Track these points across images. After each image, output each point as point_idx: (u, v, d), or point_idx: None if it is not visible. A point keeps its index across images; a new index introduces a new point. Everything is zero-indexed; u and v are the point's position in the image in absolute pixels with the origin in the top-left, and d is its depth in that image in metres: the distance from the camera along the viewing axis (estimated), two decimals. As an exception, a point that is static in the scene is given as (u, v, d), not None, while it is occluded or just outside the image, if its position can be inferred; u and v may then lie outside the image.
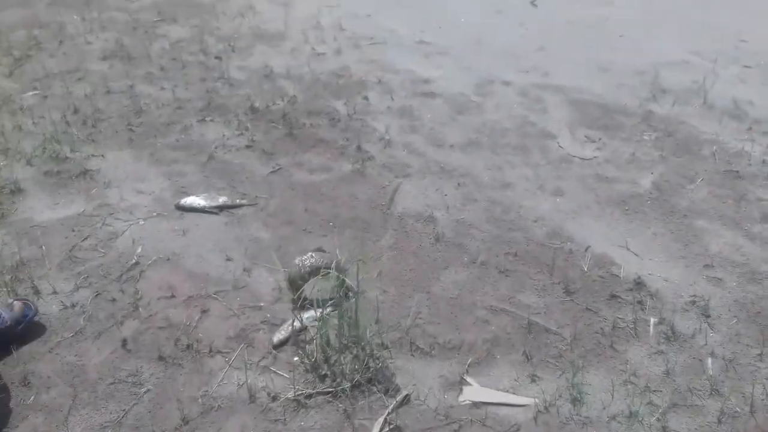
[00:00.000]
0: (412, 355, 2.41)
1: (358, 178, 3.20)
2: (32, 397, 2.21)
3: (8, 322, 2.40)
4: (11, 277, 2.59)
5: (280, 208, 3.01)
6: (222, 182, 3.12)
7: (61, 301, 2.53)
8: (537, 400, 2.28)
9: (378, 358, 2.36)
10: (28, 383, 2.25)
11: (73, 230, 2.85)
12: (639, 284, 2.71)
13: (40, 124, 3.53)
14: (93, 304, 2.52)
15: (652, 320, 2.57)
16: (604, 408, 2.27)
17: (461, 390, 2.31)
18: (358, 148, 3.37)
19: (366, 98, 3.87)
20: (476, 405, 2.25)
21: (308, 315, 2.45)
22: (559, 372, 2.38)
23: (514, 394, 2.31)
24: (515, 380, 2.35)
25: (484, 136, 3.54)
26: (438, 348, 2.44)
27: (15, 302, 2.45)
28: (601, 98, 4.10)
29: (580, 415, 2.24)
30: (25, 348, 2.36)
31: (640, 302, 2.63)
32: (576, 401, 2.28)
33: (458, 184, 3.20)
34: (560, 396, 2.29)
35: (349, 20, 5.06)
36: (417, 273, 2.73)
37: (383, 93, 3.96)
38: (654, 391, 2.30)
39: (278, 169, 3.23)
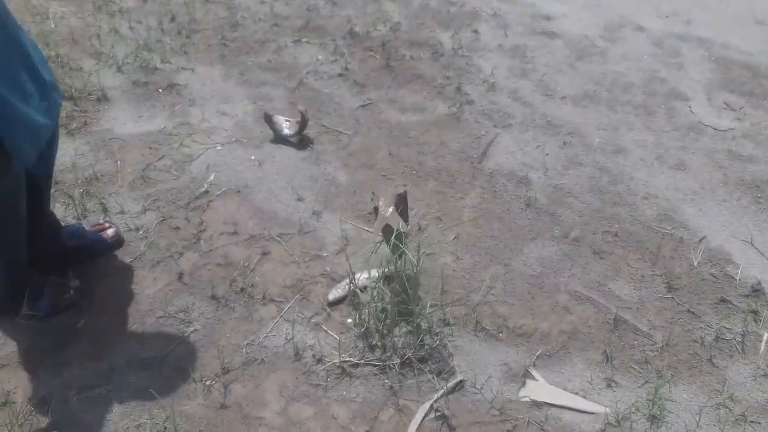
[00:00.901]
0: (476, 335, 2.18)
1: (452, 123, 2.91)
2: (82, 321, 2.17)
3: (87, 239, 2.36)
4: (82, 191, 2.54)
5: (362, 148, 2.79)
6: (308, 110, 2.92)
7: (126, 223, 2.46)
8: (609, 409, 2.01)
9: (436, 335, 2.15)
10: (82, 303, 2.21)
11: (150, 148, 2.75)
12: (757, 291, 2.33)
13: (136, 30, 3.43)
14: (156, 231, 2.43)
15: (766, 336, 2.21)
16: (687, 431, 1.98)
17: (524, 384, 2.07)
18: (458, 89, 3.06)
19: (476, 32, 3.51)
20: (537, 404, 2.02)
21: (367, 275, 2.26)
22: (642, 381, 2.09)
23: (584, 398, 2.05)
24: (588, 382, 2.08)
25: (604, 89, 3.13)
26: (506, 332, 2.19)
27: (109, 226, 2.41)
28: (751, 58, 3.55)
29: (656, 436, 1.97)
30: (84, 267, 2.32)
31: (754, 312, 2.26)
32: (655, 419, 1.99)
33: (564, 143, 2.85)
34: (637, 409, 2.01)
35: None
36: (498, 241, 2.46)
37: (496, 27, 3.58)
38: (752, 422, 1.97)
39: (368, 103, 2.99)
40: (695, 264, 2.41)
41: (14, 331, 2.12)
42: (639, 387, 2.08)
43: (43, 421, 1.93)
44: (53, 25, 3.43)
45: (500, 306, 2.26)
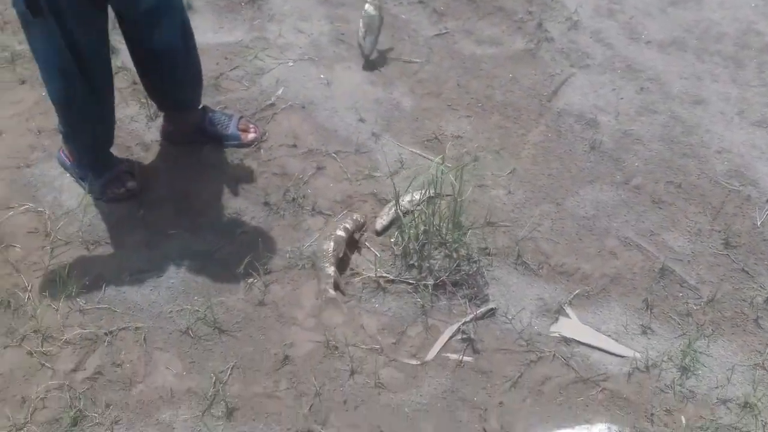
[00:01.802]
0: (515, 268, 2.17)
1: (527, 59, 2.84)
2: (142, 211, 2.31)
3: (227, 134, 2.49)
4: (158, 93, 2.65)
5: (432, 77, 2.77)
6: (383, 35, 2.91)
7: (195, 126, 2.57)
8: (640, 355, 1.98)
9: (474, 263, 2.16)
10: (140, 199, 2.34)
11: (226, 58, 2.83)
12: (819, 258, 2.21)
13: (228, -56, 3.49)
14: (222, 136, 2.53)
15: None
16: (717, 388, 1.93)
17: (556, 320, 2.06)
18: (539, 25, 2.97)
19: (567, -31, 3.38)
20: (566, 341, 2.01)
21: (411, 199, 2.27)
22: (679, 332, 2.05)
23: (615, 341, 2.02)
24: (623, 327, 2.06)
25: (693, 37, 2.96)
26: (547, 269, 2.18)
27: (253, 131, 2.52)
28: None
29: (684, 388, 1.93)
30: (151, 162, 2.45)
31: (813, 279, 2.16)
32: (685, 370, 1.95)
33: (641, 88, 2.73)
34: (669, 359, 1.98)
35: None
36: (555, 180, 2.42)
37: (590, -34, 3.43)
38: (788, 386, 1.91)
39: (444, 33, 2.95)
40: (758, 224, 2.30)
41: (79, 212, 2.28)
42: (675, 338, 2.03)
43: (96, 296, 2.09)
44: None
45: (545, 243, 2.24)
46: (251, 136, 2.51)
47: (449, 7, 3.06)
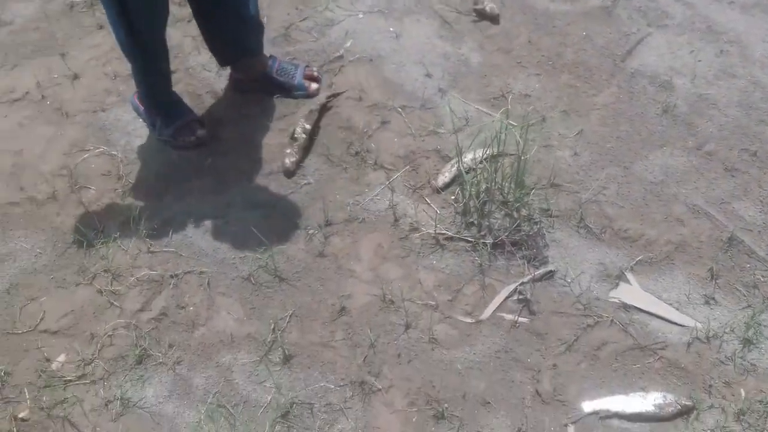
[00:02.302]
0: (577, 231, 2.14)
1: (602, 17, 2.74)
2: (210, 160, 2.36)
3: (293, 84, 2.52)
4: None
5: (502, 32, 2.70)
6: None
7: (263, 76, 2.59)
8: (701, 325, 1.94)
9: (535, 224, 2.13)
10: (212, 144, 2.40)
11: (297, 8, 2.82)
12: None
13: None
14: (289, 87, 2.55)
15: None
16: (780, 363, 1.88)
17: (616, 285, 2.03)
18: (618, -18, 2.87)
19: None
20: (626, 307, 1.98)
21: (474, 156, 2.25)
22: (744, 304, 1.99)
23: (676, 310, 1.98)
24: (686, 296, 2.01)
25: (782, -1, 2.81)
26: (610, 233, 2.14)
27: (317, 79, 2.55)
28: None
29: (745, 360, 1.88)
30: (219, 110, 2.49)
31: None
32: (748, 342, 1.91)
33: (720, 51, 2.61)
34: (732, 330, 1.93)
35: None
36: (623, 143, 2.35)
37: None
38: None
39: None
40: (838, 197, 2.20)
41: (150, 158, 2.35)
42: (740, 309, 1.98)
43: (164, 240, 2.16)
44: None
45: (609, 207, 2.19)
46: (314, 86, 2.52)
47: (524, -39, 2.98)
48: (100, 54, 2.66)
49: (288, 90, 2.50)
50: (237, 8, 2.26)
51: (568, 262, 2.08)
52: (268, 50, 2.59)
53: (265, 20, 2.74)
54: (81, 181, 2.28)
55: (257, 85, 2.51)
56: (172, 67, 2.55)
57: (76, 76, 2.58)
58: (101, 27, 2.74)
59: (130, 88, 2.50)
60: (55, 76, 2.59)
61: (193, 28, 2.69)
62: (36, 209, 2.24)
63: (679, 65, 2.58)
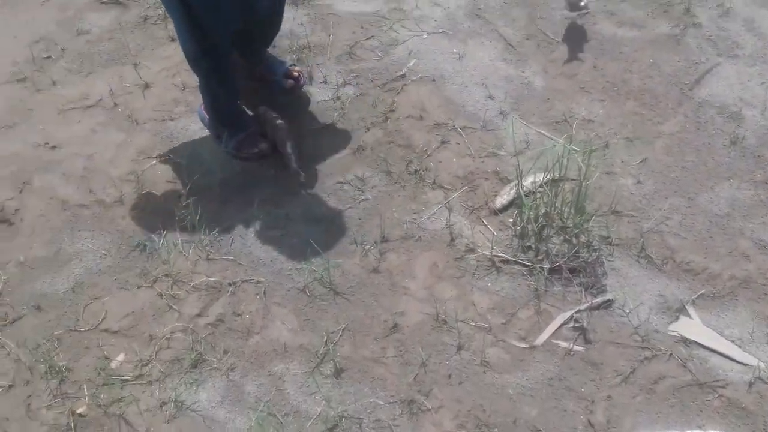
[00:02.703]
0: (638, 261, 2.10)
1: (671, 45, 2.71)
2: (272, 171, 2.40)
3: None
4: (295, 58, 2.73)
5: (566, 57, 2.69)
6: (521, 11, 2.86)
7: (327, 92, 2.63)
8: (764, 364, 1.88)
9: (595, 251, 2.10)
10: (272, 159, 2.44)
11: (362, 27, 2.87)
12: None
13: None
14: (351, 104, 2.57)
15: None
16: None
17: (677, 319, 1.99)
18: (687, 10, 2.81)
19: (726, -49, 3.17)
20: (685, 341, 1.93)
21: (532, 180, 2.24)
22: (812, 345, 1.92)
23: (738, 347, 1.92)
24: (749, 333, 1.95)
25: None
26: (671, 265, 2.09)
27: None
28: None
29: (810, 404, 1.81)
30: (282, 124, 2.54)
31: None
32: (814, 386, 1.84)
33: (794, 84, 2.55)
34: (797, 372, 1.86)
35: None
36: (689, 173, 2.31)
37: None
38: None
39: (585, 13, 2.85)
40: None
41: (214, 167, 2.41)
42: (806, 351, 1.91)
43: (224, 248, 2.20)
44: None
45: (672, 238, 2.15)
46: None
47: (593, -14, 2.96)
48: (171, 65, 2.74)
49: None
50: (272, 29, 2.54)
51: (627, 292, 2.04)
52: (332, 68, 2.65)
53: (330, 38, 2.81)
54: (147, 186, 2.35)
55: (245, 72, 2.65)
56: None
57: (147, 86, 2.67)
58: (173, 39, 2.82)
59: (197, 98, 2.57)
60: (127, 84, 2.68)
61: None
62: (103, 212, 2.31)
63: (749, 96, 2.52)
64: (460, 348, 1.96)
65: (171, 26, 2.86)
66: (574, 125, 2.44)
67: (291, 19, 2.88)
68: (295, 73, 2.63)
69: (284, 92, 2.61)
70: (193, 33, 2.16)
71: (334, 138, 2.49)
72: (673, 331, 1.96)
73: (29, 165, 2.45)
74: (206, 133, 2.51)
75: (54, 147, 2.50)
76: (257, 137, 2.44)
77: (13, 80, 2.74)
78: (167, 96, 2.65)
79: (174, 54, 2.77)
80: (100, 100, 2.64)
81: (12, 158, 2.47)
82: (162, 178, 2.38)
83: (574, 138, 2.37)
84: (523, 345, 1.96)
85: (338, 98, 2.60)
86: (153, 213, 2.29)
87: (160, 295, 2.10)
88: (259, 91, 2.59)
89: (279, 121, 2.42)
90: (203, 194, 2.33)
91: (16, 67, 2.78)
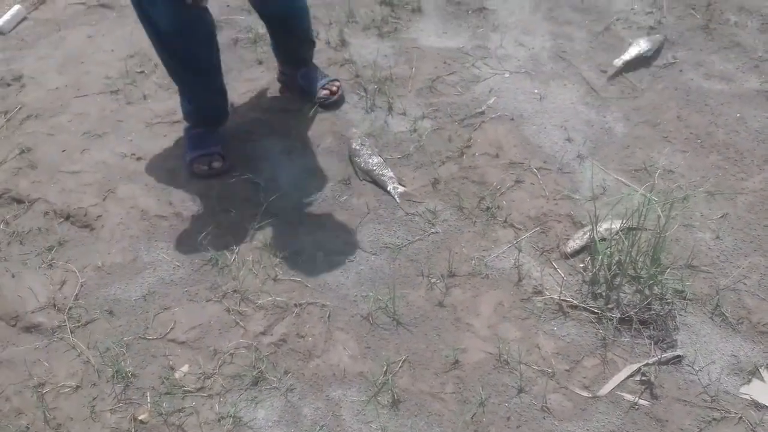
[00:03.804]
0: (712, 318, 2.03)
1: (759, 100, 2.63)
2: (344, 197, 2.43)
3: (310, 91, 2.76)
4: (376, 88, 2.78)
5: (651, 105, 2.65)
6: (606, 56, 2.84)
7: (405, 124, 2.66)
8: (842, 439, 1.78)
9: (667, 304, 2.05)
10: (349, 183, 2.48)
11: (445, 62, 2.90)
12: None
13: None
14: (428, 137, 2.59)
15: None
16: None
17: (749, 381, 1.90)
18: (779, 66, 2.75)
19: (824, 9, 3.08)
20: (757, 405, 1.85)
21: (608, 226, 2.20)
22: None
23: (815, 418, 1.83)
24: (827, 404, 1.86)
25: None
26: (747, 325, 2.01)
27: (333, 93, 2.75)
28: None
29: None
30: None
31: None
32: None
33: None
34: None
35: None
36: (772, 233, 2.24)
37: None
38: None
39: (673, 62, 2.81)
40: None
41: (290, 190, 2.46)
42: None
43: (292, 269, 2.24)
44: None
45: (749, 298, 2.07)
46: (323, 92, 2.73)
47: (682, 36, 2.91)
48: (257, 87, 2.83)
49: (307, 93, 2.75)
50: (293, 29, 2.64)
51: (698, 349, 1.98)
52: (412, 100, 2.69)
53: (413, 71, 2.85)
54: (224, 203, 2.42)
55: (288, 82, 2.81)
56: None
57: (231, 105, 2.74)
58: (261, 62, 2.93)
59: (281, 122, 2.65)
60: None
61: (345, 72, 2.85)
62: (180, 224, 2.38)
63: (841, 158, 2.43)
64: (520, 391, 1.93)
65: (260, 50, 2.97)
66: (656, 175, 2.40)
67: (376, 50, 2.95)
68: (334, 87, 2.75)
69: (317, 102, 2.71)
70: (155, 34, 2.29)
71: (408, 169, 2.51)
72: (744, 394, 1.88)
73: (115, 174, 2.56)
74: (285, 155, 2.57)
75: (140, 158, 2.60)
76: (215, 157, 2.52)
77: (107, 91, 2.89)
78: (249, 116, 2.73)
79: (260, 77, 2.86)
80: (187, 116, 2.75)
81: (99, 166, 2.59)
82: (239, 197, 2.44)
83: (654, 187, 2.33)
84: (586, 394, 1.91)
85: (415, 131, 2.63)
86: (227, 229, 2.35)
87: (228, 310, 2.14)
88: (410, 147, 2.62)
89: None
90: (277, 215, 2.38)
91: (110, 80, 2.93)
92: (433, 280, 2.19)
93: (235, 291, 2.18)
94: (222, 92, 2.55)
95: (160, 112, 2.77)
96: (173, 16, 2.19)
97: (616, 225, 2.18)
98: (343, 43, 3.01)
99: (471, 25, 3.09)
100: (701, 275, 2.13)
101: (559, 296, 2.09)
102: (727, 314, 2.04)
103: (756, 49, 2.83)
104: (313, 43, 2.75)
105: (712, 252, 2.20)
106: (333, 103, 2.74)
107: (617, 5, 3.12)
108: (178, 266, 2.27)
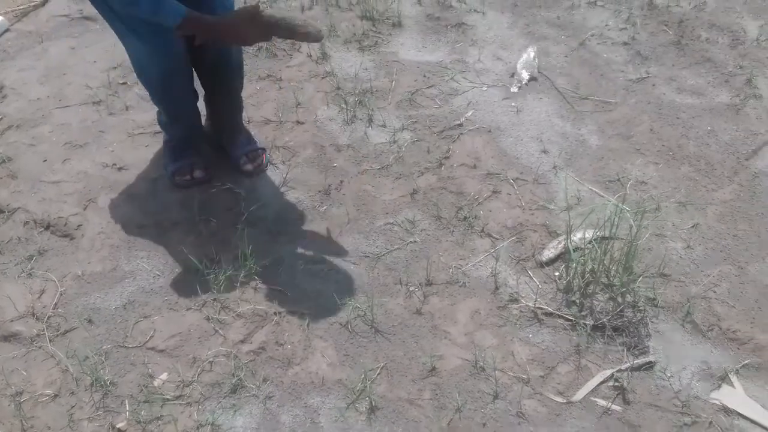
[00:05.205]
0: (683, 326, 2.08)
1: (729, 114, 2.71)
2: (325, 207, 2.46)
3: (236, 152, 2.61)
4: (357, 100, 2.82)
5: (624, 118, 2.71)
6: (581, 71, 2.91)
7: (384, 136, 2.70)
8: (808, 442, 1.83)
9: (640, 311, 2.09)
10: (329, 193, 2.51)
11: (425, 76, 2.95)
12: None
13: (445, -32, 3.63)
14: (407, 148, 2.64)
15: None
16: None
17: (719, 387, 1.95)
18: (749, 81, 2.81)
19: (791, 26, 3.17)
20: (727, 410, 1.90)
21: (581, 236, 2.25)
22: None
23: (783, 422, 1.88)
24: (794, 409, 1.91)
25: None
26: (717, 332, 2.06)
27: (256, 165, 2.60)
28: None
29: None
30: (339, 163, 2.61)
31: None
32: None
33: None
34: (843, 454, 1.81)
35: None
36: (740, 242, 2.29)
37: (821, 25, 3.19)
38: None
39: (646, 77, 2.88)
40: None
41: (271, 199, 2.48)
42: None
43: (272, 278, 2.26)
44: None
45: (719, 305, 2.12)
46: (245, 165, 2.58)
47: (654, 52, 2.99)
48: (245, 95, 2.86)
49: (228, 156, 2.62)
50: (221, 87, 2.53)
51: (670, 356, 2.02)
52: (391, 113, 2.73)
53: (393, 84, 2.89)
54: (205, 213, 2.44)
55: (211, 138, 2.68)
56: (302, 118, 2.73)
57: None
58: (262, 78, 2.96)
59: (261, 133, 2.68)
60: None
61: (326, 84, 2.89)
62: (161, 234, 2.40)
63: (808, 171, 2.50)
64: (496, 397, 1.96)
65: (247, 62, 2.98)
66: (628, 185, 2.46)
67: (357, 63, 2.99)
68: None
69: (239, 170, 2.60)
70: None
71: (388, 180, 2.55)
72: (714, 399, 1.92)
73: (96, 184, 2.57)
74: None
75: (121, 168, 2.62)
76: (195, 166, 2.54)
77: (89, 102, 2.90)
78: (231, 128, 2.75)
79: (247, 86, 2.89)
80: (168, 127, 2.77)
81: (80, 176, 2.60)
82: (220, 206, 2.47)
83: (626, 198, 2.38)
84: (560, 399, 1.95)
85: (395, 142, 2.67)
86: (208, 239, 2.37)
87: (207, 318, 2.16)
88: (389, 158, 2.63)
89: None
90: (258, 225, 2.40)
91: (92, 91, 2.94)
92: (411, 289, 2.22)
93: (214, 299, 2.20)
94: (197, 114, 2.55)
95: (142, 122, 2.79)
96: (161, 63, 2.23)
97: (590, 234, 2.23)
98: (325, 57, 3.05)
99: (450, 40, 3.14)
100: (673, 283, 2.19)
101: (535, 304, 2.13)
102: (697, 321, 2.09)
103: (726, 65, 2.91)
104: (241, 108, 2.62)
105: (683, 261, 2.25)
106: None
107: (592, 21, 3.19)
108: (158, 275, 2.28)
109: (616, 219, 2.16)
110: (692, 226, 2.34)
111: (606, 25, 3.16)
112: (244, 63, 2.51)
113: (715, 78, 2.87)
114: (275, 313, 2.16)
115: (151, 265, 2.32)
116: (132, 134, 2.75)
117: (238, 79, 2.52)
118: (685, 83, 2.86)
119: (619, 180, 2.50)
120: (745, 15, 3.18)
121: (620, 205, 2.17)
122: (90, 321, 2.18)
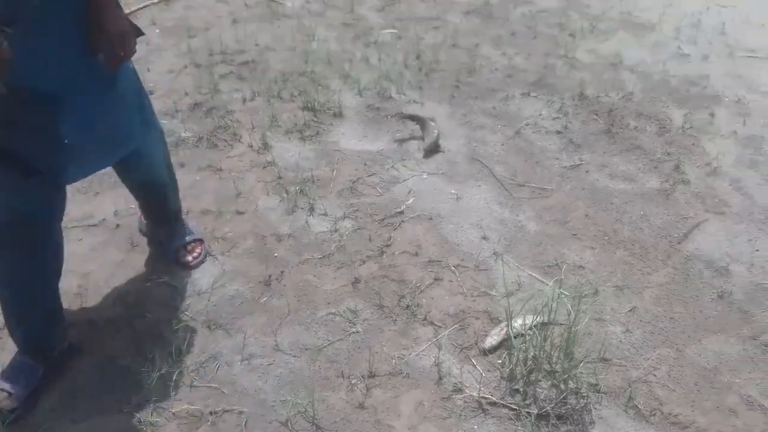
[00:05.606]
0: (626, 411, 2.07)
1: (660, 199, 2.81)
2: (265, 299, 2.42)
3: (170, 246, 2.55)
4: (298, 189, 2.83)
5: (560, 204, 2.78)
6: (517, 159, 2.99)
7: (326, 224, 2.70)
8: None
9: (583, 398, 2.08)
10: (270, 284, 2.47)
11: (365, 164, 2.99)
12: None
13: (383, 61, 3.73)
14: (349, 237, 2.64)
15: None
16: None
17: (665, 474, 1.94)
18: (676, 167, 2.94)
19: (712, 115, 3.32)
20: (673, 499, 1.88)
21: (522, 322, 2.25)
22: None
23: None
24: (739, 494, 1.90)
25: None
26: (659, 417, 2.06)
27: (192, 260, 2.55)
28: None
29: None
30: (280, 252, 2.58)
31: None
32: None
33: (782, 243, 2.62)
34: None
35: (736, 26, 4.28)
36: (677, 325, 2.32)
37: (736, 114, 3.36)
38: None
39: (579, 164, 2.98)
40: None
41: (207, 293, 2.43)
42: None
43: (208, 375, 2.18)
44: (315, 47, 3.86)
45: (660, 389, 2.13)
46: (183, 257, 2.54)
47: (586, 140, 3.11)
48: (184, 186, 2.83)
49: (166, 251, 2.56)
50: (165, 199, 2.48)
51: (615, 443, 2.01)
52: (333, 201, 2.74)
53: (334, 173, 2.92)
54: (139, 309, 2.36)
55: (149, 234, 2.63)
56: (242, 208, 2.72)
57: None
58: (182, 165, 2.94)
59: (200, 223, 2.65)
60: (132, 206, 2.75)
61: (267, 174, 2.89)
62: (93, 332, 2.30)
63: (736, 253, 2.58)
64: (442, 493, 1.90)
65: (181, 152, 2.97)
66: (564, 270, 2.49)
67: (298, 153, 3.02)
68: (195, 253, 2.56)
69: (177, 263, 2.55)
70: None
71: (329, 269, 2.53)
72: (661, 488, 1.91)
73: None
74: (204, 259, 2.56)
75: (53, 263, 2.54)
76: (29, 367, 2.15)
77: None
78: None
79: (180, 178, 2.87)
80: (104, 220, 2.71)
81: (10, 272, 2.51)
82: (156, 300, 2.40)
83: (564, 283, 2.41)
84: (507, 493, 1.91)
85: (336, 230, 2.67)
86: (142, 335, 2.29)
87: (139, 421, 2.05)
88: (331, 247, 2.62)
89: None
90: (194, 319, 2.34)
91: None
92: (353, 381, 2.17)
93: (147, 401, 2.10)
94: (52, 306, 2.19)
95: (75, 215, 2.72)
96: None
97: (530, 320, 2.24)
98: (266, 147, 3.07)
99: (390, 130, 3.21)
100: (614, 368, 2.19)
101: (479, 393, 2.10)
102: (640, 406, 2.08)
103: (655, 151, 3.03)
104: (178, 207, 2.57)
105: (622, 345, 2.27)
106: (193, 265, 2.56)
107: (526, 111, 3.31)
108: (89, 376, 2.18)
109: (555, 304, 2.18)
110: (630, 310, 2.38)
111: (540, 115, 3.28)
112: (182, 159, 2.50)
113: (645, 164, 2.98)
114: (211, 413, 2.06)
115: (81, 364, 2.21)
116: (65, 228, 2.67)
117: (172, 191, 2.47)
118: (617, 169, 2.97)
119: (557, 265, 2.54)
120: (670, 104, 3.35)
121: (557, 290, 2.20)
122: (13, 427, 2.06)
